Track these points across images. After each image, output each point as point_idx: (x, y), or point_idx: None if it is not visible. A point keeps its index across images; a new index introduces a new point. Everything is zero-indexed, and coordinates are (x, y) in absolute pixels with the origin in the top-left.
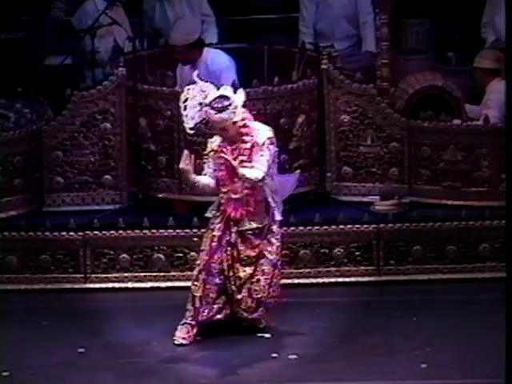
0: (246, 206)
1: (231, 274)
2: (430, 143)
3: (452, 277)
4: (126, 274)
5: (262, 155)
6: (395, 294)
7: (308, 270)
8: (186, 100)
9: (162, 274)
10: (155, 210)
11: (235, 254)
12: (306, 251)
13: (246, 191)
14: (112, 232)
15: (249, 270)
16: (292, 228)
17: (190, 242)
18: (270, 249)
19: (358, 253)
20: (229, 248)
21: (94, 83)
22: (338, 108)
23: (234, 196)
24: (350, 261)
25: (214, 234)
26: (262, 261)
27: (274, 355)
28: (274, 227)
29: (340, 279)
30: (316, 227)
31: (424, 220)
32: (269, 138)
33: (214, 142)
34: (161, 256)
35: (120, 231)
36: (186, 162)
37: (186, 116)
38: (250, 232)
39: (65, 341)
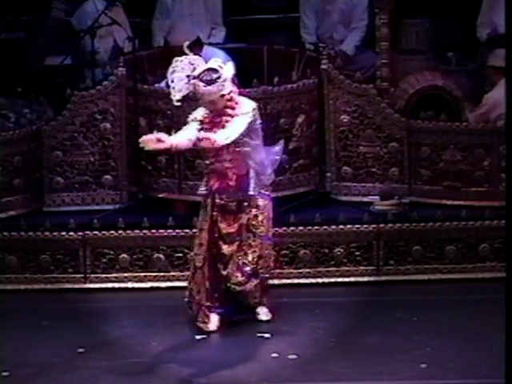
0: (226, 179)
1: (215, 251)
2: (430, 143)
3: (452, 277)
4: (125, 274)
5: (232, 124)
6: (395, 293)
7: (308, 270)
8: (173, 72)
9: (162, 274)
10: (155, 210)
11: (216, 232)
12: (305, 251)
13: (226, 164)
14: (112, 232)
15: (232, 246)
16: (292, 228)
17: (189, 241)
18: (254, 222)
19: (357, 253)
20: (212, 226)
21: (93, 83)
22: (338, 108)
23: (216, 168)
24: (349, 261)
25: (209, 212)
26: (248, 234)
27: (274, 355)
28: (260, 201)
29: (340, 279)
30: (316, 227)
31: (424, 220)
32: (249, 111)
33: (198, 111)
34: (161, 256)
35: (120, 231)
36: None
37: (174, 88)
38: (231, 207)
39: (65, 341)
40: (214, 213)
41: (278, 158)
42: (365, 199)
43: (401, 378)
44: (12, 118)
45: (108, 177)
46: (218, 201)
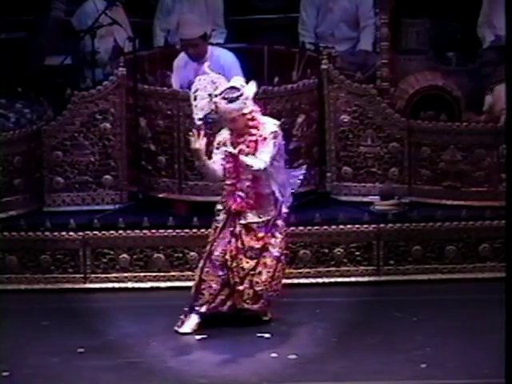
0: (247, 199)
1: (234, 264)
2: (429, 143)
3: (452, 277)
4: (125, 274)
5: (265, 147)
6: (395, 293)
7: (308, 270)
8: (196, 90)
9: (162, 274)
10: (155, 210)
11: (239, 244)
12: (305, 251)
13: (247, 183)
14: (112, 232)
15: (252, 262)
16: (292, 228)
17: (189, 241)
18: (273, 242)
19: (357, 253)
20: (233, 239)
21: (93, 83)
22: (338, 108)
23: (237, 188)
24: (349, 261)
25: (218, 225)
26: (264, 253)
27: (274, 355)
28: (279, 221)
29: (340, 279)
30: (316, 227)
31: (424, 220)
32: (274, 132)
33: (222, 134)
34: (161, 256)
35: (120, 231)
36: (199, 143)
37: (196, 106)
38: (255, 224)
39: (65, 341)
40: (237, 228)
41: (299, 181)
42: (365, 199)
43: (401, 378)
44: (12, 118)
45: (108, 177)
46: (239, 220)
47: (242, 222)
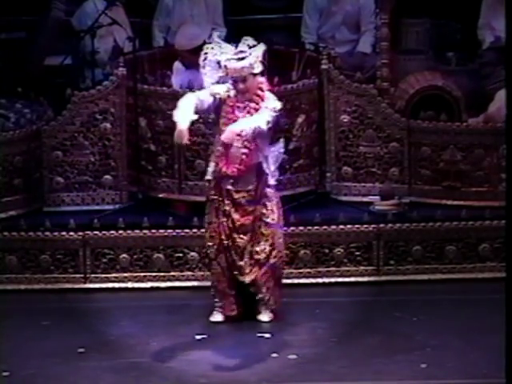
0: (239, 165)
1: (230, 243)
2: (429, 143)
3: (452, 277)
4: (125, 274)
5: (266, 112)
6: (395, 293)
7: (308, 270)
8: (205, 59)
9: (162, 274)
10: (155, 210)
11: (230, 223)
12: (305, 251)
13: (242, 150)
14: (112, 232)
15: (246, 237)
16: (292, 228)
17: (189, 241)
18: (265, 211)
19: (357, 253)
20: (224, 219)
21: (93, 83)
22: (338, 108)
23: (230, 152)
24: (349, 261)
25: (216, 205)
26: (259, 223)
27: (274, 355)
28: (268, 191)
29: (340, 279)
30: (316, 227)
31: (424, 220)
32: (275, 107)
33: (221, 87)
34: (161, 256)
35: (120, 231)
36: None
37: (205, 74)
38: (243, 199)
39: (65, 341)
40: (226, 206)
41: (279, 154)
42: (365, 199)
43: (401, 378)
44: (12, 118)
45: (108, 177)
46: (229, 187)
47: (230, 188)
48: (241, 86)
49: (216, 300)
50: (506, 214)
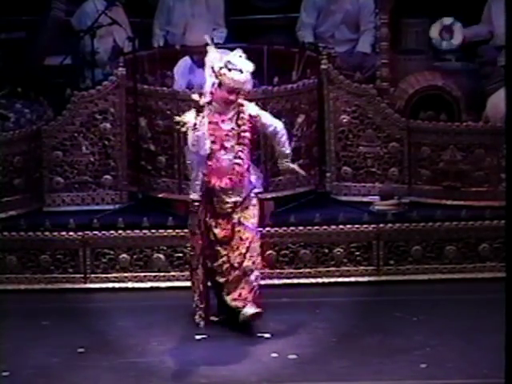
0: (230, 175)
1: (210, 252)
2: (429, 143)
3: (452, 277)
4: (125, 274)
5: (271, 118)
6: (395, 293)
7: (308, 270)
8: (211, 61)
9: (162, 274)
10: (155, 210)
11: (212, 236)
12: (305, 251)
13: (236, 161)
14: (112, 232)
15: (227, 246)
16: (292, 228)
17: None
18: (246, 215)
19: (357, 253)
20: (205, 231)
21: (93, 83)
22: (338, 108)
23: (221, 165)
24: (349, 261)
25: (200, 218)
26: (239, 228)
27: (274, 355)
28: (251, 195)
29: (340, 279)
30: (316, 227)
31: (424, 220)
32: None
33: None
34: (161, 256)
35: (120, 231)
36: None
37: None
38: (226, 210)
39: (65, 341)
40: (207, 218)
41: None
42: (365, 199)
43: (401, 378)
44: (12, 118)
45: (108, 177)
46: (221, 197)
47: (224, 198)
48: (232, 97)
49: (197, 307)
50: (506, 214)
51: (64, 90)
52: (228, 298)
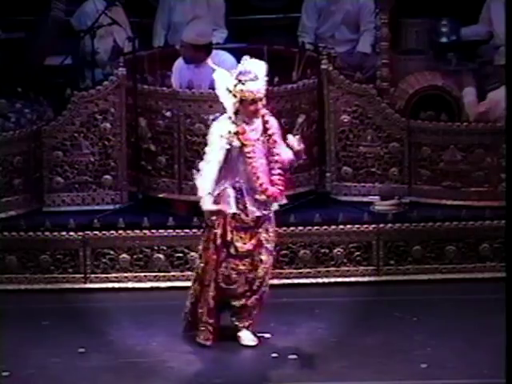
0: (278, 186)
1: (226, 269)
2: (430, 143)
3: (452, 277)
4: (125, 274)
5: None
6: (395, 293)
7: (308, 270)
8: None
9: (162, 274)
10: (155, 210)
11: (232, 251)
12: (305, 251)
13: (278, 171)
14: (112, 232)
15: (246, 263)
16: (292, 228)
17: (190, 242)
18: (267, 236)
19: (357, 253)
20: (224, 248)
21: (93, 83)
22: (338, 108)
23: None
24: (349, 261)
25: (216, 231)
26: (260, 250)
27: (274, 355)
28: (271, 215)
29: (340, 279)
30: (316, 227)
31: (424, 220)
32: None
33: (225, 125)
34: (161, 256)
35: (120, 231)
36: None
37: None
38: (249, 224)
39: (65, 341)
40: (228, 233)
41: None
42: (365, 199)
43: (401, 378)
44: (12, 118)
45: (108, 177)
46: (248, 209)
47: (234, 225)
48: (252, 107)
49: (205, 323)
50: (506, 214)
51: (64, 90)
52: (237, 323)
